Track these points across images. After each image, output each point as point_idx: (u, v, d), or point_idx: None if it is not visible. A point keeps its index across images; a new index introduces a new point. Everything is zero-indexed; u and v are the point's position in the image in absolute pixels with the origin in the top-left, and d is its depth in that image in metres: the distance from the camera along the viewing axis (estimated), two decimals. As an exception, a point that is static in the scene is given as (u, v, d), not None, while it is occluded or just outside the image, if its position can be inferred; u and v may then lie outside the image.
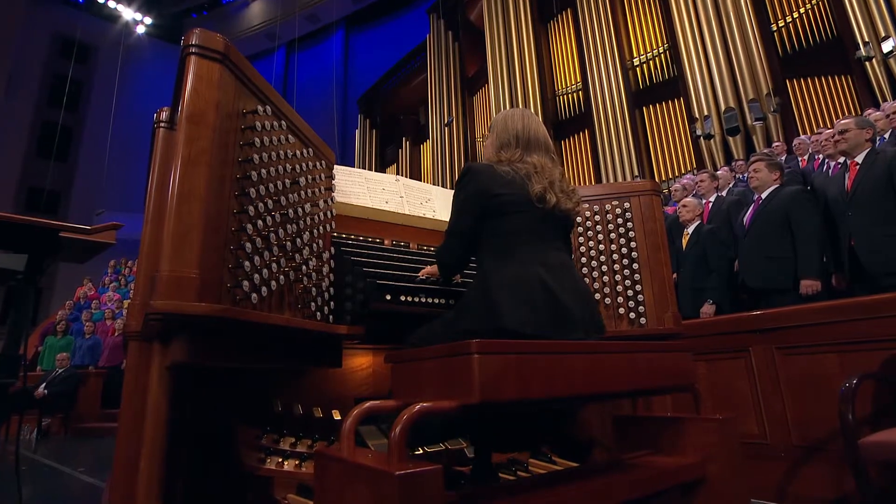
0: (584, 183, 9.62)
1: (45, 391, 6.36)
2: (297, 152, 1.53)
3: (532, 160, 1.49)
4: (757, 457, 2.28)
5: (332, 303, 1.62)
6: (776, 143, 6.34)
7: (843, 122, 3.23)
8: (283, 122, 1.46)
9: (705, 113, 7.94)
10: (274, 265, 1.31)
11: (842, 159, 3.53)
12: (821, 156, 4.48)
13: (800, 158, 5.01)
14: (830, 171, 3.77)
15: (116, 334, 7.84)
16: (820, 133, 4.32)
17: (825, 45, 7.33)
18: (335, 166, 1.87)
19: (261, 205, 1.28)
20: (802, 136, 5.52)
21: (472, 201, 1.43)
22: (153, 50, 19.18)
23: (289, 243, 1.39)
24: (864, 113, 5.08)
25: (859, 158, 3.07)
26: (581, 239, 2.26)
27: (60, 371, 6.72)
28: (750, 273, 3.33)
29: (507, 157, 1.51)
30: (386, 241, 2.12)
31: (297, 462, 1.49)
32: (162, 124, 1.64)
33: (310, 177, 1.58)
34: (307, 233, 1.51)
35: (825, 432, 2.10)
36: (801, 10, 7.56)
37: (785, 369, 2.27)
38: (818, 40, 7.41)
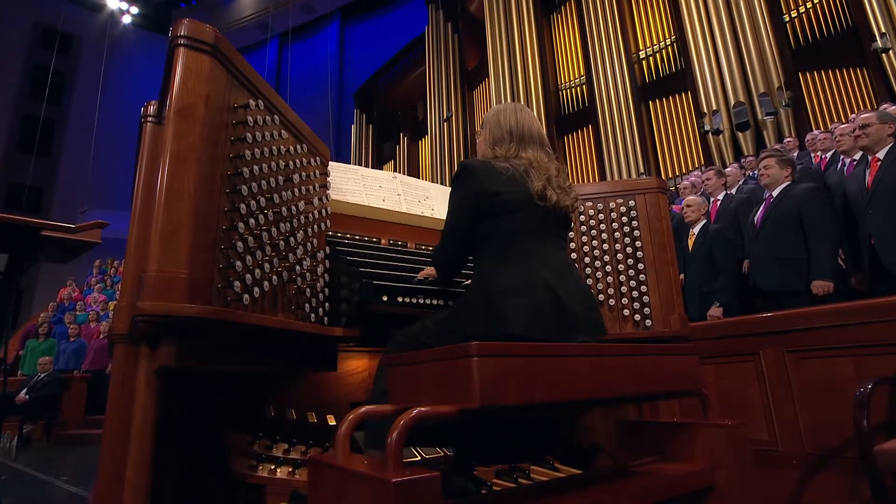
0: (588, 180, 9.62)
1: (27, 397, 6.35)
2: (291, 148, 1.53)
3: (527, 155, 1.49)
4: (768, 464, 2.29)
5: (326, 304, 1.63)
6: (788, 139, 6.35)
7: (863, 115, 3.24)
8: (276, 117, 1.46)
9: (714, 108, 7.95)
10: (266, 265, 1.31)
11: (858, 155, 3.53)
12: (828, 154, 4.49)
13: (812, 154, 5.02)
14: (846, 167, 3.77)
15: (101, 337, 7.83)
16: (834, 128, 4.32)
17: (840, 37, 7.34)
18: (330, 163, 1.88)
19: (253, 202, 1.29)
20: (815, 132, 5.54)
21: (470, 200, 1.43)
22: (140, 41, 19.15)
23: (282, 242, 1.39)
24: (880, 107, 5.09)
25: (881, 154, 3.07)
26: (584, 238, 2.27)
27: (43, 376, 6.70)
28: (762, 275, 3.34)
29: (502, 153, 1.50)
30: (383, 241, 2.13)
31: (290, 469, 1.49)
32: (149, 119, 1.65)
33: (304, 174, 1.59)
34: (301, 232, 1.51)
35: (839, 439, 2.10)
36: (815, 0, 7.57)
37: (797, 373, 2.27)
38: (832, 31, 7.42)
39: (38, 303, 12.83)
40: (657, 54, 9.29)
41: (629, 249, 2.21)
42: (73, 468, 4.62)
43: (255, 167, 1.32)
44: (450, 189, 1.53)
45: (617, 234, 2.23)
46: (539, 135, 1.56)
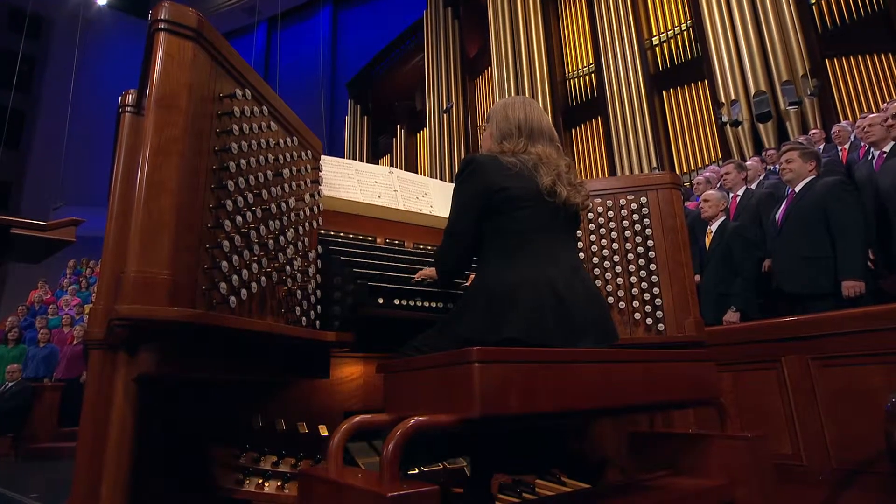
0: (597, 175, 9.64)
1: (-6, 408, 6.36)
2: (280, 141, 1.54)
3: (536, 150, 1.51)
4: (791, 480, 2.29)
5: (318, 307, 1.63)
6: (813, 131, 6.35)
7: (897, 104, 3.25)
8: (265, 108, 1.47)
9: (733, 97, 7.95)
10: (254, 265, 1.32)
11: (888, 147, 3.54)
12: (865, 144, 4.50)
13: (840, 147, 5.02)
14: (874, 160, 3.78)
15: (76, 343, 7.83)
16: (864, 117, 4.32)
17: (870, 20, 7.33)
18: (322, 157, 1.89)
19: (240, 199, 1.29)
20: (843, 122, 5.54)
21: (476, 197, 1.44)
22: (117, 25, 19.13)
23: (271, 241, 1.40)
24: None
25: (915, 146, 3.08)
26: (593, 237, 2.28)
27: (11, 385, 6.71)
28: (786, 276, 3.33)
29: (510, 148, 1.53)
30: (378, 240, 2.14)
31: (279, 483, 1.50)
32: (128, 109, 1.66)
33: (294, 168, 1.60)
34: (291, 230, 1.52)
35: (868, 453, 2.11)
36: (843, -19, 7.58)
37: (822, 382, 2.28)
38: (862, 14, 7.41)
39: (6, 306, 12.81)
40: (671, 40, 9.30)
41: (640, 249, 2.21)
42: (44, 484, 4.62)
43: (243, 161, 1.32)
44: (451, 184, 1.54)
45: (627, 233, 2.24)
46: (549, 130, 1.59)
